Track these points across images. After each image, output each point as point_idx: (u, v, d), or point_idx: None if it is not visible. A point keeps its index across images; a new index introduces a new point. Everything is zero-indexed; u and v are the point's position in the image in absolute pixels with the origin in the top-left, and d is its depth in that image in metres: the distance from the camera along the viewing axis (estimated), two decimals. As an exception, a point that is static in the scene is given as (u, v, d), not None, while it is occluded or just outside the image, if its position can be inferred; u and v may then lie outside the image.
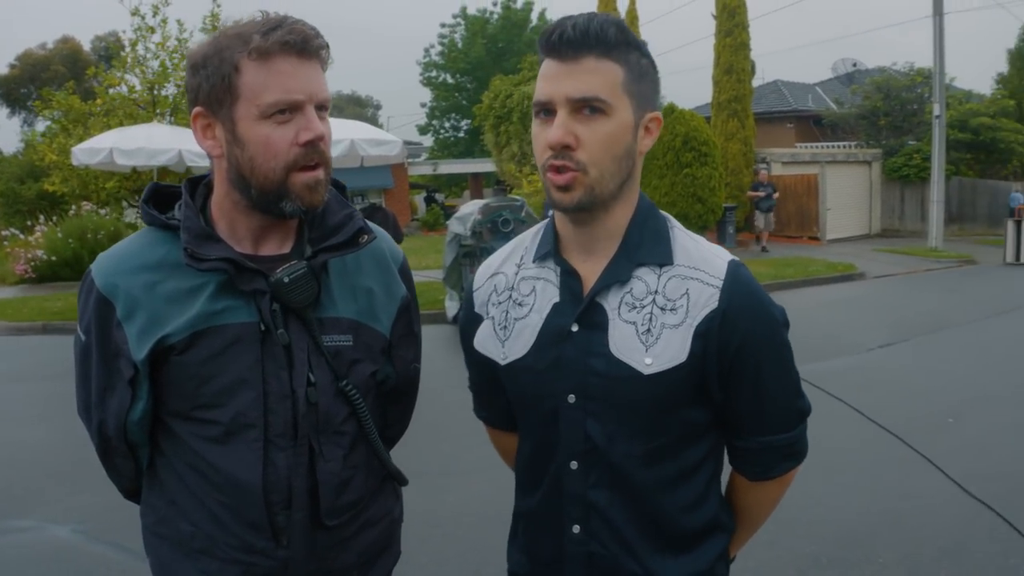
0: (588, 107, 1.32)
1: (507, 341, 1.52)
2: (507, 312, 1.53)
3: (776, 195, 20.08)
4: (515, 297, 1.53)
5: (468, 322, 1.63)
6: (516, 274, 1.55)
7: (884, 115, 26.53)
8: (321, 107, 1.46)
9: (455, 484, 5.20)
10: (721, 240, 19.21)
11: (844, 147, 26.92)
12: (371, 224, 1.63)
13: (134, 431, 1.51)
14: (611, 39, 1.32)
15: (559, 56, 1.33)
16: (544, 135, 1.36)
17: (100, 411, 1.52)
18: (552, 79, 1.34)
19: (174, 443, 1.52)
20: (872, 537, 4.36)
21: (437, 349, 7.94)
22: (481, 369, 1.63)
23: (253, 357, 1.46)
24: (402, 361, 1.70)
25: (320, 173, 1.46)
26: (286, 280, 1.46)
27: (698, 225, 18.13)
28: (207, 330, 1.45)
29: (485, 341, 1.58)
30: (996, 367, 8.39)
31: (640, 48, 1.37)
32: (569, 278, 1.46)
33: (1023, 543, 4.20)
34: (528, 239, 1.58)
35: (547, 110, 1.36)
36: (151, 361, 1.45)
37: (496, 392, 1.63)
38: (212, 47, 1.43)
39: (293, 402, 1.48)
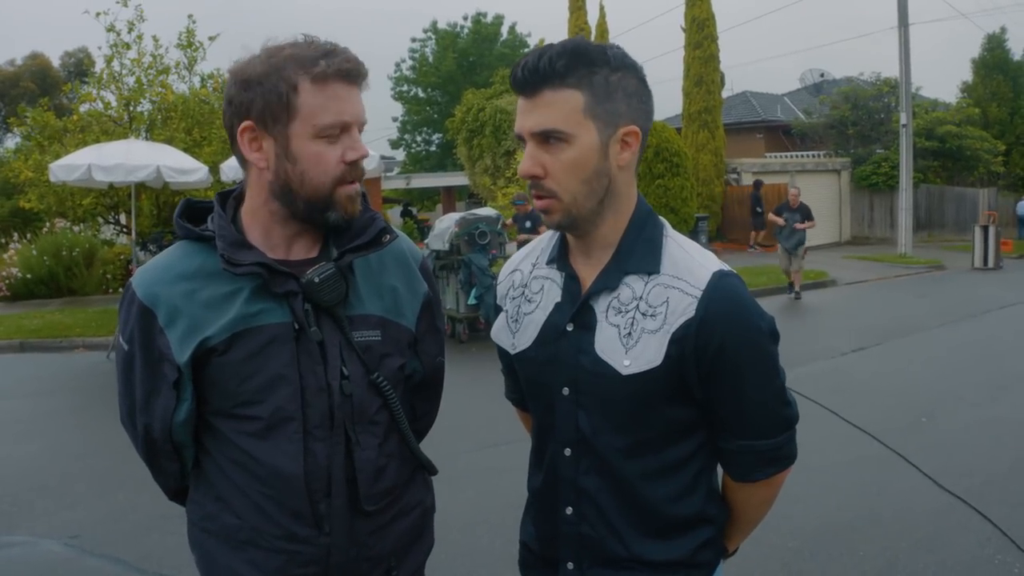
0: (550, 137, 1.43)
1: (517, 333, 1.65)
2: (519, 307, 1.66)
3: (810, 224, 14.24)
4: (527, 294, 1.66)
5: (495, 312, 1.77)
6: (530, 272, 1.68)
7: (852, 124, 26.92)
8: (361, 128, 1.60)
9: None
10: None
11: (813, 156, 27.30)
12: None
13: (179, 432, 1.60)
14: (561, 70, 1.40)
15: (521, 93, 1.45)
16: None
17: (145, 415, 1.61)
18: (520, 114, 1.47)
19: (218, 441, 1.61)
20: (851, 531, 4.50)
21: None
22: (502, 356, 1.76)
23: (289, 354, 1.56)
24: (427, 355, 1.81)
25: (359, 186, 1.61)
26: (316, 280, 1.56)
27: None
28: (245, 331, 1.54)
29: (499, 331, 1.71)
30: (966, 369, 8.62)
31: (610, 63, 1.43)
32: (570, 281, 1.58)
33: (996, 533, 4.36)
34: (545, 241, 1.71)
35: (522, 140, 1.49)
36: (193, 364, 1.55)
37: (517, 377, 1.75)
38: (267, 66, 1.51)
39: (329, 394, 1.58)
